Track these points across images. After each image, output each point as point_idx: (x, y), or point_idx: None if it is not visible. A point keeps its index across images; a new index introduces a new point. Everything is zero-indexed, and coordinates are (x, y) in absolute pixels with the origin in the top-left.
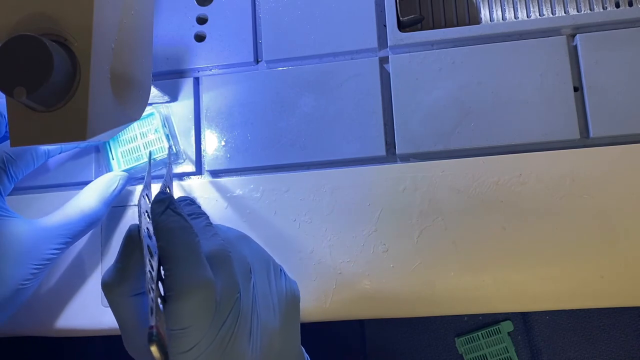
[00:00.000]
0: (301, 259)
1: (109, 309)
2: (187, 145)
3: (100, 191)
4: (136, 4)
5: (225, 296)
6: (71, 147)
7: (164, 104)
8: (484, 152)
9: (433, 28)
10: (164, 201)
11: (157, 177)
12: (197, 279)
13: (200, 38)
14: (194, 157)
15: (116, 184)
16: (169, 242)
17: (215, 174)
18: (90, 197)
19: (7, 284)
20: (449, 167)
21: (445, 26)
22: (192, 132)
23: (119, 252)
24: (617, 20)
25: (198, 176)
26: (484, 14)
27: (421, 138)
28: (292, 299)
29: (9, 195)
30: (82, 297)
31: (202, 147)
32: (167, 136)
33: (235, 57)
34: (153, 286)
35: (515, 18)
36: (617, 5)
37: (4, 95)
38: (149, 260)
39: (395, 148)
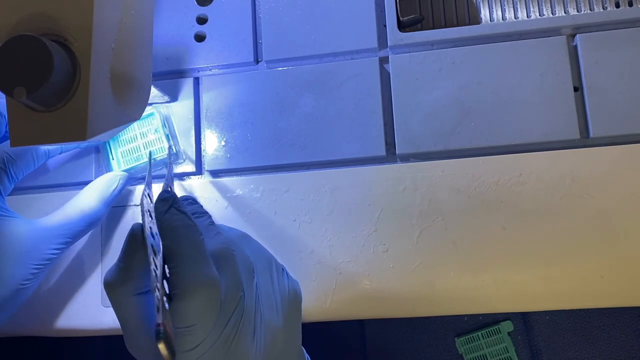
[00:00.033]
0: (301, 259)
1: (109, 309)
2: (187, 145)
3: (100, 191)
4: (136, 4)
5: (229, 295)
6: (71, 147)
7: (164, 104)
8: (484, 152)
9: (433, 28)
10: (168, 200)
11: (158, 177)
12: (203, 277)
13: (200, 38)
14: (194, 157)
15: (116, 184)
16: (173, 240)
17: (215, 174)
18: (90, 197)
19: (7, 284)
20: (449, 167)
21: (445, 26)
22: (192, 132)
23: (121, 251)
24: (617, 20)
25: (198, 176)
26: (484, 14)
27: (421, 138)
28: (295, 298)
29: (9, 195)
30: (82, 297)
31: (202, 147)
32: (167, 136)
33: (235, 57)
34: (158, 284)
35: (515, 18)
36: (617, 5)
37: (4, 95)
38: (153, 259)
39: (395, 148)
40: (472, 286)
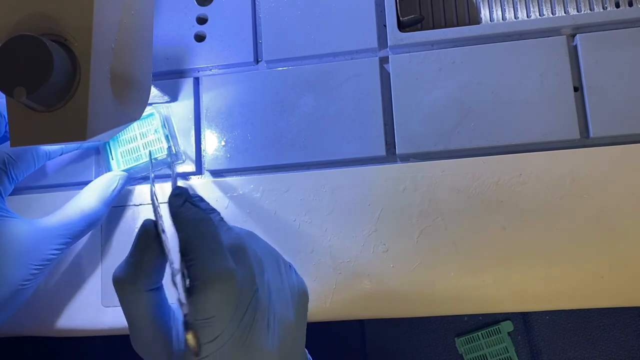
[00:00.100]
0: (301, 259)
1: (109, 309)
2: (187, 145)
3: (100, 191)
4: (136, 4)
5: (244, 288)
6: (72, 148)
7: (164, 104)
8: (484, 152)
9: (433, 28)
10: (182, 195)
11: (158, 177)
12: (222, 268)
13: (200, 38)
14: (194, 157)
15: (116, 184)
16: (191, 233)
17: (215, 173)
18: (90, 197)
19: (7, 284)
20: (449, 167)
21: (445, 26)
22: (192, 132)
23: (132, 247)
24: (617, 20)
25: (198, 176)
26: (484, 14)
27: (421, 138)
28: (303, 295)
29: (9, 195)
30: (82, 297)
31: (202, 147)
32: (166, 137)
33: (235, 57)
34: (179, 278)
35: (515, 18)
36: (617, 5)
37: (4, 95)
38: (169, 253)
39: (395, 148)
40: (472, 286)
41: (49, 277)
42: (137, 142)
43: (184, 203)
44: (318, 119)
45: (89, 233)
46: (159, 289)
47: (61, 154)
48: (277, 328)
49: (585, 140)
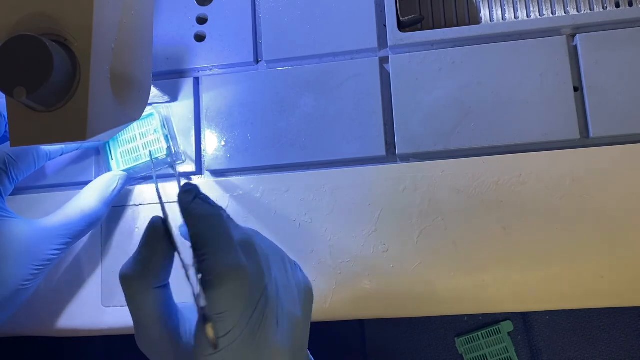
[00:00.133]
0: (301, 259)
1: (109, 309)
2: (187, 145)
3: (100, 191)
4: (136, 4)
5: (255, 283)
6: (72, 148)
7: (164, 104)
8: (484, 152)
9: (433, 28)
10: (192, 191)
11: (158, 177)
12: (235, 264)
13: (200, 38)
14: (194, 157)
15: (116, 184)
16: (202, 228)
17: (215, 173)
18: (90, 197)
19: (7, 284)
20: (449, 167)
21: (445, 26)
22: (192, 132)
23: (140, 244)
24: (617, 20)
25: (198, 176)
26: (484, 14)
27: (421, 138)
28: (309, 292)
29: (9, 195)
30: (82, 297)
31: (202, 147)
32: (166, 137)
33: (235, 57)
34: (193, 271)
35: (515, 18)
36: (617, 5)
37: (4, 95)
38: (178, 249)
39: (395, 148)
40: (472, 286)
41: (49, 277)
42: (137, 142)
43: (194, 199)
44: (318, 119)
45: (89, 233)
46: (166, 286)
47: (61, 155)
48: (286, 324)
49: (585, 140)
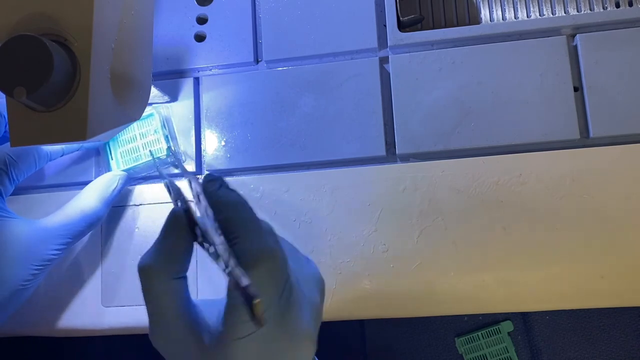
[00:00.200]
0: None
1: (109, 309)
2: (187, 145)
3: (100, 191)
4: (136, 4)
5: (284, 266)
6: (72, 148)
7: (164, 104)
8: (484, 152)
9: (433, 28)
10: (217, 180)
11: (155, 178)
12: (268, 246)
13: (200, 38)
14: (194, 157)
15: (116, 184)
16: (232, 214)
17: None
18: (90, 197)
19: (7, 284)
20: (449, 167)
21: (445, 26)
22: (192, 132)
23: (161, 234)
24: (617, 20)
25: (198, 176)
26: (484, 14)
27: (421, 138)
28: (322, 283)
29: (9, 196)
30: (82, 297)
31: (202, 147)
32: (166, 137)
33: (235, 57)
34: (226, 255)
35: (515, 18)
36: (617, 5)
37: (4, 95)
38: (204, 235)
39: (395, 148)
40: (472, 286)
41: (49, 277)
42: (137, 142)
43: (220, 187)
44: (318, 119)
45: (89, 233)
46: (185, 278)
47: (62, 155)
48: (309, 309)
49: (585, 140)
